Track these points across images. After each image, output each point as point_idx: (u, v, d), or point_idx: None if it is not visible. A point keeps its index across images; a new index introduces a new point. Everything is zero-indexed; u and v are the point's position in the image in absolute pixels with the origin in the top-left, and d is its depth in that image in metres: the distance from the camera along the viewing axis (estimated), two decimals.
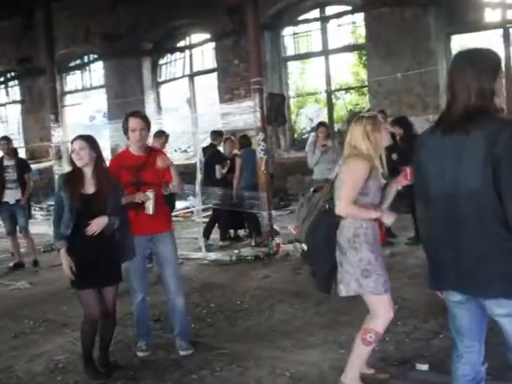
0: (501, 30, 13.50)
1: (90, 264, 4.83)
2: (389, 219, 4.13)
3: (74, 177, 4.87)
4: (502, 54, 13.52)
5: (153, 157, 5.28)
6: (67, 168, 12.38)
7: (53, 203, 15.72)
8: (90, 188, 4.86)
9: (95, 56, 19.73)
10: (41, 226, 14.29)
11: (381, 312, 4.16)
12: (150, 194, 5.08)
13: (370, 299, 4.17)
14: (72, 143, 4.90)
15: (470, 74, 2.91)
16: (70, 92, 21.13)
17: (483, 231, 2.80)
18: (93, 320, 4.96)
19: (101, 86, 20.00)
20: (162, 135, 9.30)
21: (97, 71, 20.24)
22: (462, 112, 2.88)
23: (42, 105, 19.49)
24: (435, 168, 3.00)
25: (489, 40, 14.67)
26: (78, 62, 20.58)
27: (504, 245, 2.76)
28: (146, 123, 5.28)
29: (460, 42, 14.90)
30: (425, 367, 4.68)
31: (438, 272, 3.08)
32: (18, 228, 10.02)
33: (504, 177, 2.71)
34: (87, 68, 20.55)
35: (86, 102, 21.05)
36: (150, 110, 17.54)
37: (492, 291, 2.84)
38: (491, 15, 13.66)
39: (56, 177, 13.14)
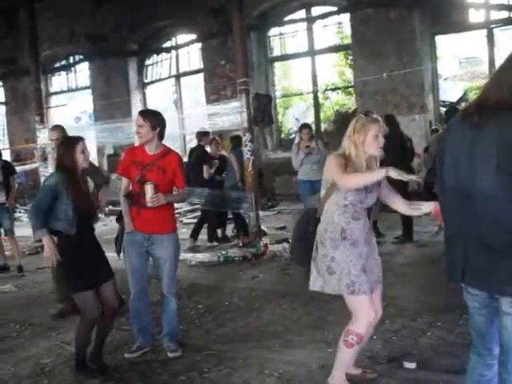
0: (485, 31, 13.56)
1: (89, 264, 4.86)
2: (394, 173, 3.85)
3: (76, 177, 4.87)
4: (486, 54, 13.63)
5: (164, 159, 5.27)
6: (52, 170, 12.36)
7: None
8: (84, 186, 4.96)
9: (80, 57, 19.61)
10: (26, 228, 14.20)
11: (360, 313, 4.14)
12: (149, 185, 5.05)
13: (347, 300, 4.17)
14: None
15: (500, 67, 2.87)
16: (56, 93, 21.02)
17: (498, 230, 2.75)
18: (93, 321, 4.95)
19: (86, 87, 19.90)
20: None
21: (82, 72, 20.13)
22: (478, 105, 2.85)
23: (26, 106, 19.37)
24: (452, 160, 2.95)
25: (474, 41, 14.80)
26: (64, 62, 20.46)
27: None
28: (147, 120, 5.18)
29: (445, 43, 14.99)
30: (412, 365, 4.69)
31: (450, 265, 3.04)
32: (2, 231, 9.93)
33: None
34: (72, 69, 20.43)
35: (71, 103, 20.96)
36: (136, 110, 17.47)
37: (508, 290, 2.79)
38: (475, 16, 13.73)
39: (42, 178, 13.05)
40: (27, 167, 16.66)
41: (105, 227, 11.62)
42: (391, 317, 5.85)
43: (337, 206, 4.14)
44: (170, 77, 18.42)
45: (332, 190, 4.15)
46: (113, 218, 11.15)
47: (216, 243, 10.54)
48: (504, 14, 13.33)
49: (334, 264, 4.08)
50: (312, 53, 15.95)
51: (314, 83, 16.08)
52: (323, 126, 16.18)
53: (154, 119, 5.26)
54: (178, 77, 18.21)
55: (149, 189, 5.05)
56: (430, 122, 13.46)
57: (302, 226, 4.44)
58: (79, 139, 4.97)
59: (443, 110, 13.76)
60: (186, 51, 17.83)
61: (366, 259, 4.14)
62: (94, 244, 5.04)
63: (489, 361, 3.11)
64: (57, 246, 4.84)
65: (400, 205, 4.29)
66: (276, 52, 16.83)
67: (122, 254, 5.45)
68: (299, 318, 6.18)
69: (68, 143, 4.97)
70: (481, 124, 2.76)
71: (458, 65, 17.62)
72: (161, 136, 5.31)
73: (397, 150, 9.27)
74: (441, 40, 14.48)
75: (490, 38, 13.34)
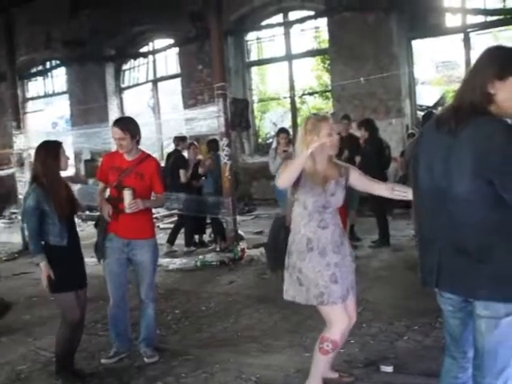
0: (461, 35, 13.67)
1: (74, 266, 4.92)
2: (316, 143, 3.86)
3: (56, 186, 4.85)
4: (462, 58, 13.75)
5: (142, 164, 5.27)
6: (28, 175, 12.27)
7: (15, 211, 15.54)
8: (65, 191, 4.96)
9: (57, 62, 19.52)
10: (2, 234, 14.11)
11: (334, 321, 4.11)
12: (127, 191, 5.04)
13: (320, 309, 4.15)
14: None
15: (471, 71, 2.89)
16: (32, 98, 20.91)
17: (473, 234, 2.76)
18: (74, 324, 4.93)
19: (63, 92, 19.83)
20: None
21: (59, 77, 20.03)
22: (453, 109, 2.85)
23: (3, 111, 19.18)
24: (427, 164, 2.95)
25: (450, 45, 14.92)
26: (40, 68, 20.33)
27: (496, 248, 2.72)
28: (127, 131, 5.17)
29: (421, 47, 15.09)
30: (389, 369, 4.71)
31: (424, 269, 3.04)
32: None
33: (508, 183, 2.66)
34: (49, 74, 20.30)
35: (48, 109, 20.84)
36: (113, 115, 17.43)
37: (482, 294, 2.79)
38: (452, 20, 13.84)
39: (19, 185, 12.96)
40: (3, 173, 16.51)
41: (82, 232, 11.53)
42: (368, 321, 5.88)
43: (301, 216, 4.11)
44: (147, 82, 18.39)
45: (292, 200, 4.16)
46: (90, 223, 11.09)
47: (193, 248, 10.49)
48: (480, 19, 13.47)
49: (301, 276, 4.05)
50: (289, 57, 15.99)
51: (292, 88, 16.13)
52: None
53: (133, 128, 5.28)
54: (155, 82, 18.18)
55: (127, 195, 5.04)
56: (406, 126, 13.55)
57: (272, 235, 4.49)
58: (60, 143, 5.02)
59: (420, 114, 13.86)
60: (163, 56, 17.80)
61: (337, 267, 4.07)
62: (78, 248, 5.06)
63: (463, 363, 3.12)
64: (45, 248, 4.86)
65: (383, 190, 4.26)
66: (253, 57, 16.86)
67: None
68: (277, 322, 6.19)
69: (52, 146, 4.97)
70: (457, 129, 2.76)
71: (435, 69, 17.76)
72: (138, 142, 5.32)
73: (375, 156, 9.34)
74: (418, 44, 14.57)
75: (467, 42, 13.45)
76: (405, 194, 4.04)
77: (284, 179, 4.01)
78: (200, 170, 10.34)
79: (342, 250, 4.16)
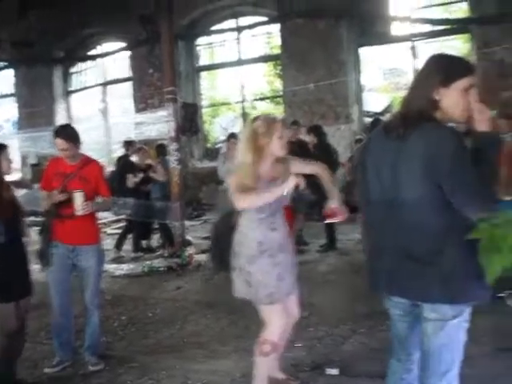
0: (409, 43, 13.92)
1: (17, 274, 4.78)
2: (291, 183, 3.75)
3: None
4: (409, 66, 14.00)
5: (85, 168, 5.24)
6: None
7: None
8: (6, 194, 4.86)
9: (5, 63, 19.18)
10: None
11: (273, 321, 4.10)
12: (77, 193, 4.99)
13: (262, 308, 4.13)
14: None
15: (417, 78, 2.95)
16: None
17: (423, 238, 2.80)
18: (12, 333, 4.80)
19: (11, 95, 19.50)
20: None
21: (6, 79, 19.68)
22: (401, 116, 2.89)
23: None
24: (375, 171, 2.98)
25: (397, 53, 15.18)
26: None
27: (445, 251, 2.76)
28: (70, 141, 5.15)
29: (369, 54, 15.30)
30: (335, 372, 4.74)
31: (374, 275, 3.08)
32: None
33: (456, 187, 2.70)
34: None
35: None
36: (60, 119, 17.19)
37: (431, 296, 2.83)
38: (399, 28, 14.09)
39: None
40: None
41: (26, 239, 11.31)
42: (315, 324, 5.92)
43: (250, 220, 4.04)
44: (96, 85, 18.18)
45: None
46: (35, 228, 10.89)
47: (141, 253, 10.40)
48: (427, 28, 13.74)
49: (250, 278, 4.01)
50: (240, 62, 16.02)
51: (242, 93, 16.16)
52: None
53: (74, 136, 5.26)
54: (104, 85, 17.99)
55: (78, 197, 5.01)
56: (354, 132, 13.68)
57: (215, 233, 4.47)
58: (3, 146, 4.93)
59: (368, 120, 14.02)
60: (113, 59, 17.63)
61: (282, 265, 4.06)
62: (23, 254, 4.93)
63: (408, 365, 3.17)
64: None
65: (315, 169, 4.40)
66: (204, 61, 16.84)
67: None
68: (223, 327, 6.18)
69: None
70: (405, 135, 2.81)
71: (382, 76, 18.04)
72: (78, 146, 5.32)
73: (323, 161, 9.41)
74: (365, 51, 14.75)
75: (414, 50, 13.71)
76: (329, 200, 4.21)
77: (245, 205, 3.94)
78: (162, 178, 10.21)
79: (285, 249, 4.14)
